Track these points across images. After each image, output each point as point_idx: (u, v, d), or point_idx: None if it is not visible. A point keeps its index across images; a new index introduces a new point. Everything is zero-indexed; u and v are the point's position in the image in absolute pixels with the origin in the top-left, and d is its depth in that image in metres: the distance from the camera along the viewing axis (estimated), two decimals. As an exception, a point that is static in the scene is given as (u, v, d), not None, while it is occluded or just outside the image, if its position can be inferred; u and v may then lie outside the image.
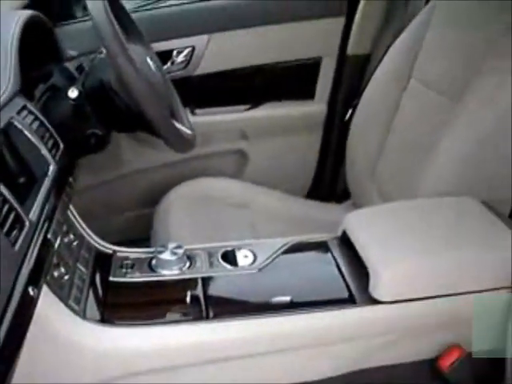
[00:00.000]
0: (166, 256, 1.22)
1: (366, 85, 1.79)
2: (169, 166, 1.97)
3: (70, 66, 1.51)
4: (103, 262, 1.26)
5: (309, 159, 2.13)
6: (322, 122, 2.06)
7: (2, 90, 1.11)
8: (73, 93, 1.35)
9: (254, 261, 1.25)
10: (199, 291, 1.19)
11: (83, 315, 1.09)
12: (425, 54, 1.59)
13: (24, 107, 1.17)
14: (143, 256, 1.28)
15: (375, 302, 1.14)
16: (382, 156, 1.68)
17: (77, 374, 1.08)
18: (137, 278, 1.22)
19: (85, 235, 1.29)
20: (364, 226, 1.28)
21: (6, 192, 0.90)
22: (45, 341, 1.03)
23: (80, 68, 1.52)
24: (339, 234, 1.31)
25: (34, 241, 0.93)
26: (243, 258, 1.26)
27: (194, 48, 1.86)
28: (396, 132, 1.65)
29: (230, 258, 1.27)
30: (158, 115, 1.29)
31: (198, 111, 1.93)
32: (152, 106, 1.28)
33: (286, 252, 1.29)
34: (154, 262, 1.24)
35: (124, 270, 1.23)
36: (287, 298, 1.15)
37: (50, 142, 1.19)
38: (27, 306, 0.88)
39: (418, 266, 1.16)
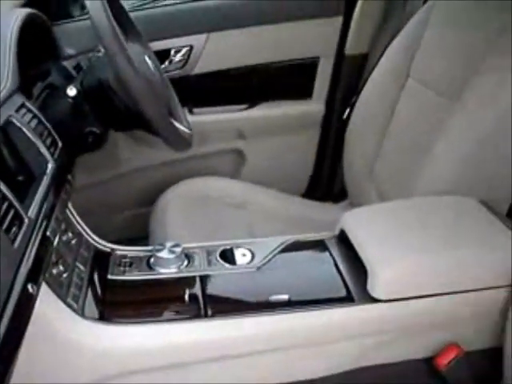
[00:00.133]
0: (164, 254, 1.22)
1: (364, 84, 1.79)
2: (166, 164, 1.97)
3: (68, 64, 1.51)
4: (101, 261, 1.26)
5: (306, 159, 2.13)
6: (319, 121, 2.06)
7: (1, 88, 1.11)
8: (71, 91, 1.35)
9: (252, 259, 1.26)
10: (197, 289, 1.19)
11: (82, 313, 1.09)
12: (423, 54, 1.59)
13: (22, 105, 1.17)
14: (141, 254, 1.28)
15: (373, 300, 1.14)
16: (380, 155, 1.68)
17: (75, 372, 1.08)
18: (135, 276, 1.22)
19: (83, 233, 1.29)
20: (362, 224, 1.28)
21: (5, 189, 0.90)
22: (43, 339, 1.03)
23: (78, 67, 1.53)
24: (337, 232, 1.31)
25: (33, 238, 0.94)
26: (241, 256, 1.27)
27: (191, 47, 1.86)
28: (394, 132, 1.65)
29: (228, 256, 1.27)
30: (157, 114, 1.30)
31: (195, 110, 1.93)
32: (150, 104, 1.28)
33: (284, 251, 1.29)
34: (152, 260, 1.24)
35: (122, 269, 1.23)
36: (285, 297, 1.15)
37: (49, 140, 1.20)
38: (27, 303, 0.88)
39: (416, 264, 1.16)
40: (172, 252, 1.23)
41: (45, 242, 0.99)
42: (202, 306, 1.14)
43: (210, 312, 1.13)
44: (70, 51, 1.60)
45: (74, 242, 1.23)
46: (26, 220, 0.93)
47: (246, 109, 1.99)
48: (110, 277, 1.21)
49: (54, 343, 1.05)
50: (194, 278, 1.21)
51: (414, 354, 1.23)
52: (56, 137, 1.24)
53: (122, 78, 1.25)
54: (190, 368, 1.13)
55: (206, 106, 1.95)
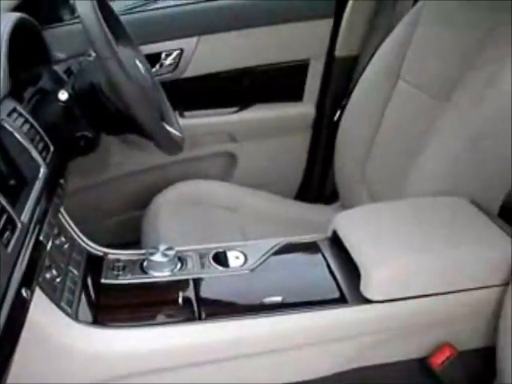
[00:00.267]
0: (157, 258, 1.22)
1: (355, 85, 1.80)
2: (158, 168, 1.97)
3: (59, 68, 1.51)
4: (95, 265, 1.25)
5: (297, 161, 2.13)
6: (310, 123, 2.06)
7: (-8, 93, 1.11)
8: (63, 95, 1.35)
9: (245, 262, 1.26)
10: (191, 292, 1.19)
11: (75, 317, 1.08)
12: (413, 54, 1.60)
13: (14, 110, 1.17)
14: (135, 258, 1.27)
15: (366, 301, 1.14)
16: (371, 157, 1.68)
17: (69, 376, 1.07)
18: (128, 279, 1.22)
19: (76, 238, 1.29)
20: (354, 225, 1.28)
21: (-3, 194, 0.90)
22: (37, 343, 1.02)
23: (68, 71, 1.52)
24: (329, 234, 1.32)
25: (26, 243, 0.93)
26: (234, 259, 1.27)
27: (182, 50, 1.86)
28: (385, 132, 1.65)
29: (221, 259, 1.27)
30: (149, 118, 1.30)
31: (186, 114, 1.93)
32: (142, 108, 1.28)
33: (277, 253, 1.29)
34: (145, 263, 1.24)
35: (115, 272, 1.23)
36: (279, 299, 1.15)
37: (41, 145, 1.19)
38: (21, 307, 0.88)
39: (409, 264, 1.16)
40: (165, 255, 1.23)
41: (38, 246, 0.98)
42: (195, 309, 1.14)
43: (203, 315, 1.13)
44: (60, 55, 1.60)
45: (66, 246, 1.23)
46: (19, 225, 0.93)
47: (236, 111, 1.99)
48: (103, 281, 1.21)
49: (48, 347, 1.05)
50: (187, 281, 1.21)
51: (408, 354, 1.23)
52: (48, 141, 1.24)
53: (114, 82, 1.25)
54: (184, 371, 1.12)
55: (196, 109, 1.95)
